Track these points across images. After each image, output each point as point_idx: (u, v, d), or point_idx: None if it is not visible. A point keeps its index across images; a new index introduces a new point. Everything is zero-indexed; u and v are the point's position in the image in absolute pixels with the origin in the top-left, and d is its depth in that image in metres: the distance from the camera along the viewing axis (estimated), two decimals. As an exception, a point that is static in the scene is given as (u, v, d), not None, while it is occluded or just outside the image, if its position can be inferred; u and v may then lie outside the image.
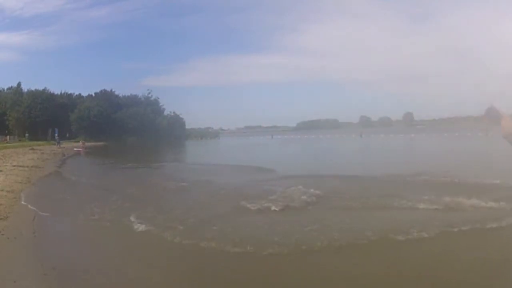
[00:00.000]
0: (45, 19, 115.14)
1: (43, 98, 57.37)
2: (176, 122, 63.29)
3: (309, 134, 58.88)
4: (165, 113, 64.60)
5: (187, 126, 66.62)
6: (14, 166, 14.41)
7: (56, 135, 41.81)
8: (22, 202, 7.23)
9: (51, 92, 60.94)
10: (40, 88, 60.15)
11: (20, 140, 43.29)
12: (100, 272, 3.85)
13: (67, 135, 52.48)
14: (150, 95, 64.46)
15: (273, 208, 6.20)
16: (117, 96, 62.90)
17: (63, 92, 63.66)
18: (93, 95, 61.87)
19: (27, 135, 43.63)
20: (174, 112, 64.89)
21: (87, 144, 39.28)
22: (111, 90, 62.50)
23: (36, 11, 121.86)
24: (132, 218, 5.65)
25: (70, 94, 64.29)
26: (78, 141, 42.02)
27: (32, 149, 27.89)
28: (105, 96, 60.57)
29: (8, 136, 46.02)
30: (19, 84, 61.23)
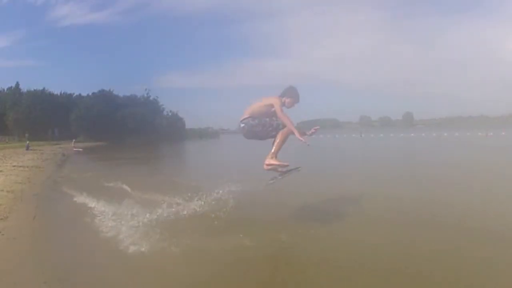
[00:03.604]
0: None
1: (42, 98, 57.37)
2: (176, 122, 63.42)
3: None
4: (164, 113, 64.75)
5: (187, 126, 66.88)
6: (14, 166, 14.37)
7: (27, 135, 40.55)
8: (22, 202, 7.16)
9: (51, 92, 60.99)
10: (39, 88, 60.19)
11: (20, 141, 43.25)
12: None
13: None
14: (148, 95, 64.59)
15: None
16: (116, 96, 62.96)
17: (62, 92, 63.70)
18: (91, 95, 61.91)
19: (27, 135, 43.57)
20: (171, 111, 65.06)
21: (81, 144, 38.62)
22: (109, 90, 62.53)
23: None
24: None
25: (70, 94, 64.30)
26: (78, 141, 41.87)
27: (32, 149, 27.87)
28: (104, 96, 60.59)
29: (7, 137, 46.06)
30: (17, 84, 61.22)
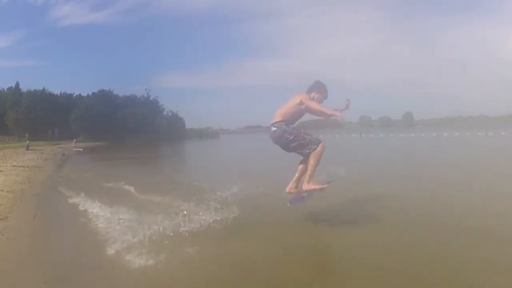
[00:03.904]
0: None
1: (42, 98, 57.46)
2: (176, 122, 63.56)
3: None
4: (164, 113, 64.89)
5: (187, 126, 67.06)
6: (14, 166, 14.38)
7: (27, 135, 40.57)
8: (22, 202, 7.16)
9: (51, 92, 61.10)
10: (39, 88, 60.29)
11: (20, 141, 43.28)
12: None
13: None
14: (148, 95, 64.74)
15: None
16: (116, 96, 63.10)
17: (62, 92, 63.82)
18: (91, 95, 62.04)
19: (27, 135, 43.62)
20: (171, 111, 65.21)
21: (81, 144, 38.55)
22: (109, 90, 62.63)
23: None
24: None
25: (70, 94, 64.41)
26: (78, 141, 41.86)
27: (32, 149, 27.89)
28: (104, 96, 60.71)
29: (7, 137, 46.08)
30: (17, 84, 61.31)
